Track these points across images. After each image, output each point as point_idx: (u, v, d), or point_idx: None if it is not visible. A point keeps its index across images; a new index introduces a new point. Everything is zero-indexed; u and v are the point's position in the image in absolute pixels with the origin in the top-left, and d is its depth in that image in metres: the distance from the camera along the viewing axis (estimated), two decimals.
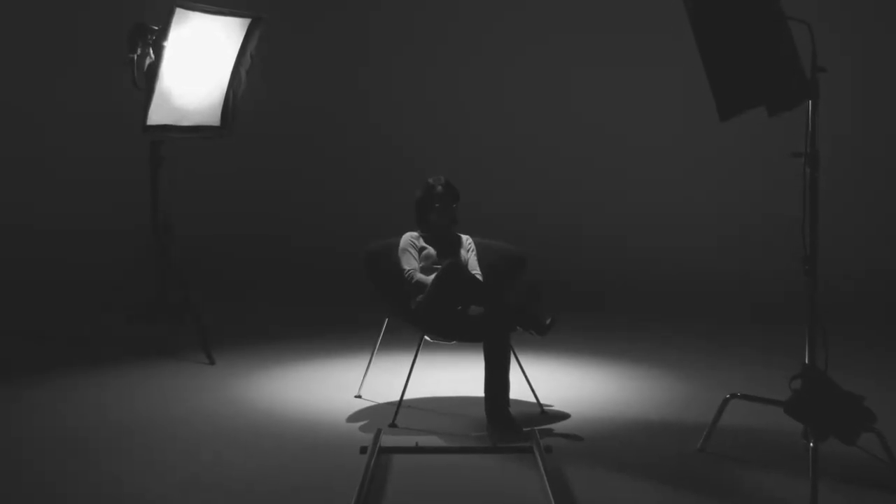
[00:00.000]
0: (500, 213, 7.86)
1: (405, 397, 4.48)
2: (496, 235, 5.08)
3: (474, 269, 4.76)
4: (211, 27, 5.57)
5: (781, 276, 6.45)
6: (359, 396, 4.87)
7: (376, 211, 8.16)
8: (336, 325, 6.69)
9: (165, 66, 5.36)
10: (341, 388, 5.02)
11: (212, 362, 5.51)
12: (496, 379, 4.33)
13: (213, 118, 5.87)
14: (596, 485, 3.67)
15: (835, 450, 3.72)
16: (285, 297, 7.74)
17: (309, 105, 8.64)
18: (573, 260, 7.97)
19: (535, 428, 4.22)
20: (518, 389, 4.54)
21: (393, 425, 4.36)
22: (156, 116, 5.46)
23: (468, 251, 4.84)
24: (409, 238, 4.76)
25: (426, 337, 4.54)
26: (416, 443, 4.06)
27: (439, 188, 4.76)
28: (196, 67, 5.61)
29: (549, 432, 4.29)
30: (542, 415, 4.58)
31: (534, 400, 4.67)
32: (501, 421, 4.28)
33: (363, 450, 3.91)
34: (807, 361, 3.63)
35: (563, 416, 4.57)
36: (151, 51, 5.34)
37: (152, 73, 5.34)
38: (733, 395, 4.11)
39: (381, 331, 4.83)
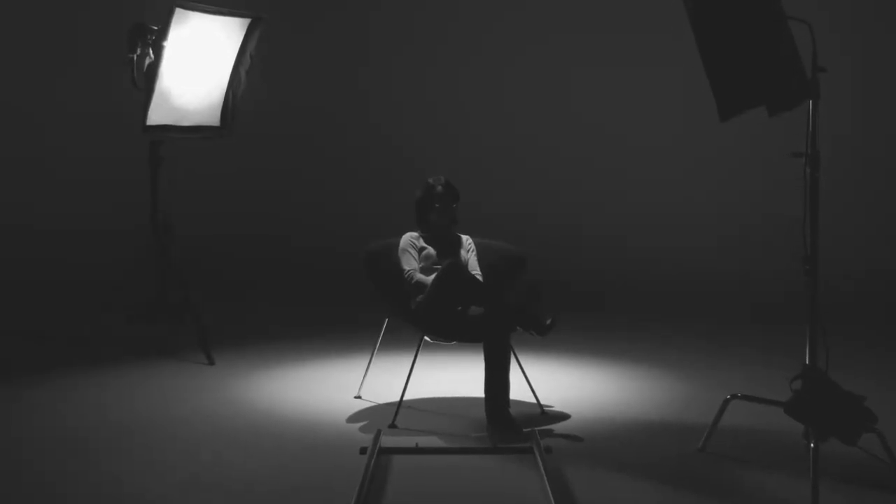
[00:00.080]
0: (500, 213, 7.86)
1: (405, 398, 4.48)
2: (496, 235, 5.08)
3: (474, 269, 4.76)
4: (210, 27, 5.57)
5: (781, 276, 6.45)
6: (359, 397, 4.87)
7: (376, 211, 8.16)
8: (336, 325, 6.69)
9: (165, 66, 5.35)
10: (341, 388, 5.02)
11: (211, 362, 5.51)
12: (496, 379, 4.33)
13: (213, 118, 5.87)
14: (596, 485, 3.66)
15: (835, 450, 3.72)
16: (285, 297, 7.74)
17: (309, 105, 8.64)
18: (573, 260, 7.96)
19: (536, 428, 4.21)
20: (518, 390, 4.53)
21: (393, 426, 4.35)
22: (155, 116, 5.46)
23: (468, 251, 4.84)
24: (409, 238, 4.76)
25: (426, 337, 4.54)
26: (416, 443, 4.06)
27: (439, 188, 4.75)
28: (196, 67, 5.60)
29: (550, 433, 4.29)
30: (542, 415, 4.57)
31: (534, 400, 4.67)
32: (501, 421, 4.28)
33: (363, 450, 3.91)
34: (807, 362, 3.63)
35: (563, 416, 4.57)
36: (151, 51, 5.34)
37: (152, 73, 5.34)
38: (734, 396, 4.10)
39: (381, 331, 4.83)
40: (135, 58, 5.36)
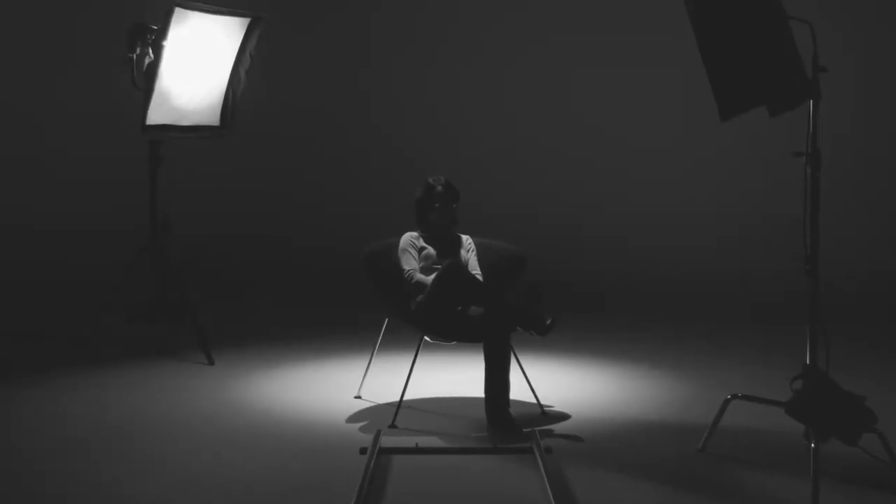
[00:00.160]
0: (500, 213, 7.85)
1: (405, 398, 4.47)
2: (496, 235, 5.07)
3: (474, 269, 4.75)
4: (210, 27, 5.57)
5: (781, 276, 6.45)
6: (358, 397, 4.86)
7: (377, 211, 8.15)
8: (336, 325, 6.68)
9: (165, 66, 5.35)
10: (341, 388, 5.01)
11: (211, 363, 5.50)
12: (496, 379, 4.32)
13: (213, 118, 5.87)
14: (596, 485, 3.66)
15: (836, 450, 3.71)
16: (285, 297, 7.74)
17: (309, 105, 8.64)
18: (574, 260, 7.96)
19: (536, 428, 4.21)
20: (518, 390, 4.53)
21: (393, 426, 4.35)
22: (155, 116, 5.45)
23: (468, 251, 4.83)
24: (409, 238, 4.75)
25: (426, 337, 4.53)
26: (416, 443, 4.05)
27: (439, 188, 4.75)
28: (195, 67, 5.60)
29: (550, 433, 4.28)
30: (542, 415, 4.57)
31: (534, 400, 4.66)
32: (501, 422, 4.28)
33: (363, 450, 3.90)
34: (808, 362, 3.62)
35: (563, 416, 4.56)
36: (150, 50, 5.33)
37: (151, 72, 5.34)
38: (734, 396, 4.10)
39: (381, 331, 4.82)
40: (134, 57, 5.36)
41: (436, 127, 8.55)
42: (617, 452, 4.05)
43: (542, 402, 4.67)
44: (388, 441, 4.08)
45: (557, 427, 4.39)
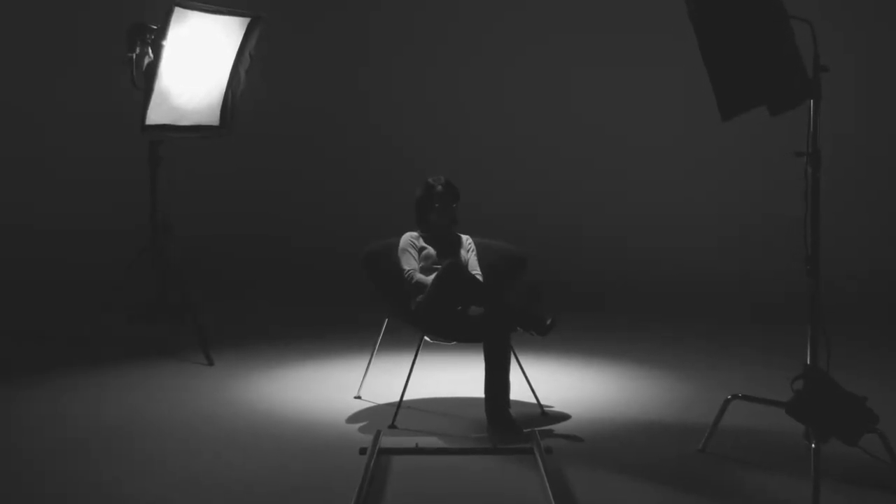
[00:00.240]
0: (500, 213, 7.85)
1: (405, 398, 4.47)
2: (496, 235, 5.07)
3: (474, 269, 4.75)
4: (210, 26, 5.56)
5: (781, 276, 6.45)
6: (358, 397, 4.86)
7: (376, 211, 8.15)
8: (336, 325, 6.68)
9: (164, 66, 5.34)
10: (341, 388, 5.01)
11: (211, 363, 5.50)
12: (496, 380, 4.32)
13: (212, 118, 5.86)
14: (596, 486, 3.65)
15: (837, 451, 3.71)
16: (285, 297, 7.73)
17: (309, 105, 8.63)
18: (573, 260, 7.95)
19: (536, 429, 4.20)
20: (518, 390, 4.53)
21: (392, 426, 4.34)
22: (154, 116, 5.45)
23: (468, 251, 4.83)
24: (409, 238, 4.75)
25: (426, 337, 4.53)
26: (416, 444, 4.05)
27: (439, 188, 4.74)
28: (195, 67, 5.59)
29: (550, 433, 4.28)
30: (542, 416, 4.56)
31: (534, 401, 4.66)
32: (502, 422, 4.27)
33: (363, 451, 3.90)
34: (809, 362, 3.62)
35: (563, 416, 4.56)
36: (150, 50, 5.33)
37: (151, 72, 5.33)
38: (734, 396, 4.09)
39: (380, 331, 4.82)
40: (134, 57, 5.35)
41: (435, 127, 8.55)
42: (617, 453, 4.05)
43: (542, 402, 4.66)
44: (387, 441, 4.07)
45: (557, 427, 4.38)
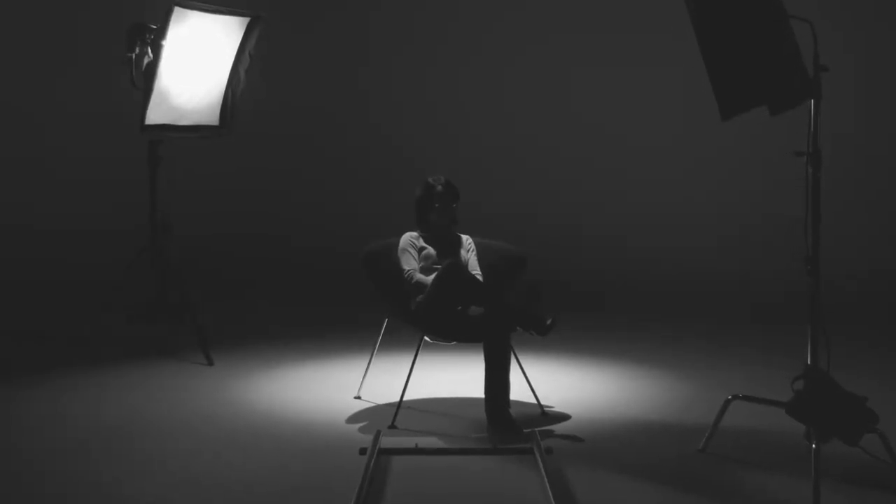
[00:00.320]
0: (500, 213, 7.85)
1: (405, 398, 4.46)
2: (496, 235, 5.07)
3: (474, 269, 4.75)
4: (209, 26, 5.56)
5: (781, 276, 6.45)
6: (358, 397, 4.86)
7: (376, 211, 8.15)
8: (336, 325, 6.68)
9: (164, 66, 5.34)
10: (341, 388, 5.01)
11: (210, 363, 5.50)
12: (496, 380, 4.32)
13: (212, 117, 5.86)
14: (597, 486, 3.65)
15: (837, 451, 3.71)
16: (285, 297, 7.73)
17: (309, 105, 8.63)
18: (573, 260, 7.95)
19: (536, 429, 4.20)
20: (518, 390, 4.52)
21: (392, 426, 4.34)
22: (154, 116, 5.44)
23: (468, 251, 4.82)
24: (409, 238, 4.75)
25: (426, 337, 4.53)
26: (416, 444, 4.05)
27: (439, 188, 4.74)
28: (194, 66, 5.59)
29: (550, 433, 4.28)
30: (542, 416, 4.56)
31: (534, 401, 4.66)
32: (502, 422, 4.27)
33: (362, 451, 3.90)
34: (809, 362, 3.62)
35: (563, 417, 4.56)
36: (150, 50, 5.32)
37: (150, 72, 5.33)
38: (735, 396, 4.09)
39: (380, 331, 4.82)
40: (133, 57, 5.35)
41: (435, 126, 8.54)
42: (617, 453, 4.04)
43: (543, 402, 4.66)
44: (387, 441, 4.07)
45: (558, 427, 4.38)
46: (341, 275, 7.12)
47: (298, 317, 7.04)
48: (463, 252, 4.80)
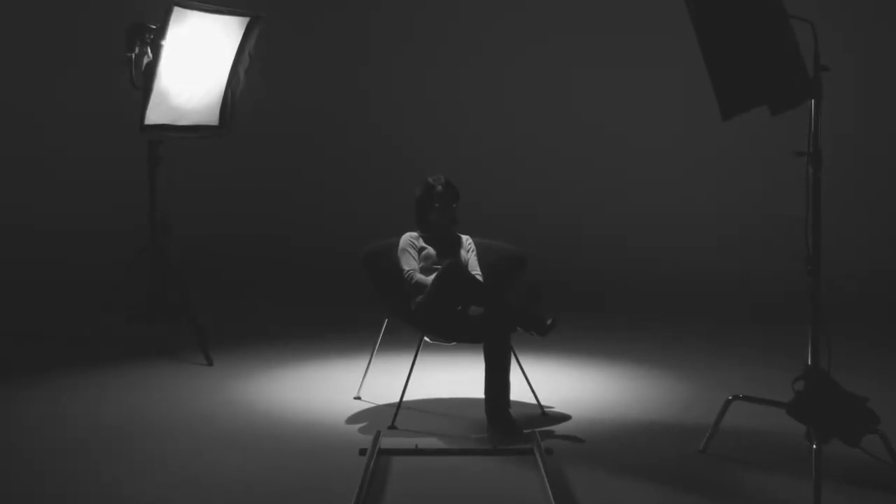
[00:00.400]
0: (500, 213, 7.84)
1: (405, 399, 4.46)
2: (496, 235, 5.06)
3: (474, 269, 4.74)
4: (209, 26, 5.56)
5: (781, 276, 6.44)
6: (358, 398, 4.86)
7: (376, 211, 8.14)
8: (336, 325, 6.67)
9: (163, 65, 5.34)
10: (340, 389, 5.01)
11: (210, 363, 5.49)
12: (496, 380, 4.31)
13: (212, 117, 5.86)
14: (597, 486, 3.65)
15: (838, 451, 3.70)
16: (285, 297, 7.73)
17: (309, 105, 8.63)
18: (573, 260, 7.95)
19: (536, 429, 4.20)
20: (518, 390, 4.52)
21: (392, 427, 4.34)
22: (153, 116, 5.44)
23: (468, 251, 4.82)
24: (409, 238, 4.74)
25: (426, 338, 4.52)
26: (416, 444, 4.05)
27: (439, 188, 4.73)
28: (194, 66, 5.59)
29: (550, 434, 4.28)
30: (542, 416, 4.56)
31: (534, 401, 4.65)
32: (502, 422, 4.27)
33: (362, 451, 3.90)
34: (810, 362, 3.61)
35: (563, 417, 4.55)
36: (149, 50, 5.32)
37: (150, 72, 5.32)
38: (735, 397, 4.09)
39: (380, 331, 4.81)
40: (133, 57, 5.35)
41: (435, 126, 8.54)
42: (617, 453, 4.04)
43: (543, 402, 4.66)
44: (387, 442, 4.07)
45: (558, 428, 4.38)
46: (341, 275, 7.11)
47: (298, 317, 7.04)
48: (463, 252, 4.80)
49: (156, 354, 5.73)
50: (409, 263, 4.66)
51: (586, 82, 8.30)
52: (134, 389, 5.04)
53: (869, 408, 3.57)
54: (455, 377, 5.25)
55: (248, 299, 7.60)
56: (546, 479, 3.56)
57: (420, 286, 4.57)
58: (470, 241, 4.87)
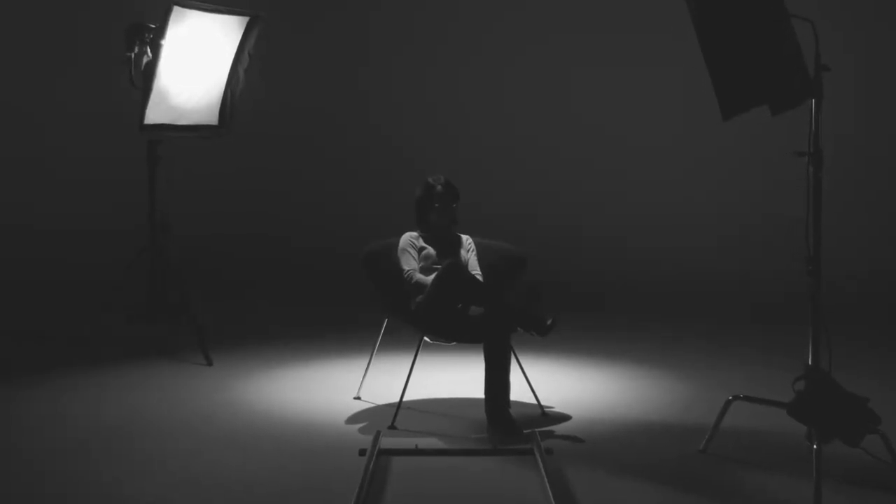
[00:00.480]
0: (500, 213, 7.84)
1: (405, 399, 4.46)
2: (496, 235, 5.06)
3: (474, 269, 4.74)
4: (209, 25, 5.55)
5: (781, 276, 6.44)
6: (358, 398, 4.85)
7: (376, 211, 8.14)
8: (336, 325, 6.67)
9: (163, 65, 5.34)
10: (340, 389, 5.00)
11: (210, 363, 5.49)
12: (496, 380, 4.31)
13: (211, 117, 5.85)
14: (597, 487, 3.65)
15: (838, 451, 3.70)
16: (285, 297, 7.73)
17: (309, 105, 8.63)
18: (573, 260, 7.95)
19: (536, 429, 4.20)
20: (518, 391, 4.52)
21: (392, 427, 4.33)
22: (153, 115, 5.44)
23: (468, 251, 4.82)
24: (409, 238, 4.74)
25: (426, 338, 4.52)
26: (416, 445, 4.04)
27: (439, 188, 4.73)
28: (194, 66, 5.58)
29: (550, 434, 4.27)
30: (542, 416, 4.56)
31: (534, 401, 4.65)
32: (502, 422, 4.27)
33: (362, 452, 3.89)
34: (810, 362, 3.61)
35: (563, 417, 4.55)
36: (149, 49, 5.32)
37: (150, 71, 5.32)
38: (736, 397, 4.08)
39: (380, 331, 4.81)
40: (132, 56, 5.34)
41: (435, 127, 8.54)
42: (617, 453, 4.04)
43: (543, 402, 4.66)
44: (387, 442, 4.07)
45: (558, 428, 4.38)
46: (341, 275, 7.12)
47: (298, 317, 7.04)
48: (463, 252, 4.79)
49: (156, 354, 5.73)
50: (409, 263, 4.66)
51: (586, 82, 8.30)
52: (134, 389, 5.04)
53: (869, 408, 3.57)
54: (455, 377, 5.24)
55: (248, 299, 7.60)
56: (546, 479, 3.55)
57: (420, 286, 4.56)
58: (470, 241, 4.86)
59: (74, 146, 7.83)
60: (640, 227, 8.16)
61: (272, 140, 8.51)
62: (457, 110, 8.53)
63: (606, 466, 3.87)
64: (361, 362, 5.09)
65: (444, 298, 4.43)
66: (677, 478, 3.75)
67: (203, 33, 5.54)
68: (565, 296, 6.84)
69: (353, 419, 4.51)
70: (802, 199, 3.60)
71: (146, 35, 5.33)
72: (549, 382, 5.10)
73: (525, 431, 4.20)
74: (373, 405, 4.75)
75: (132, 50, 5.33)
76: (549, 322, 4.30)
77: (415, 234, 4.77)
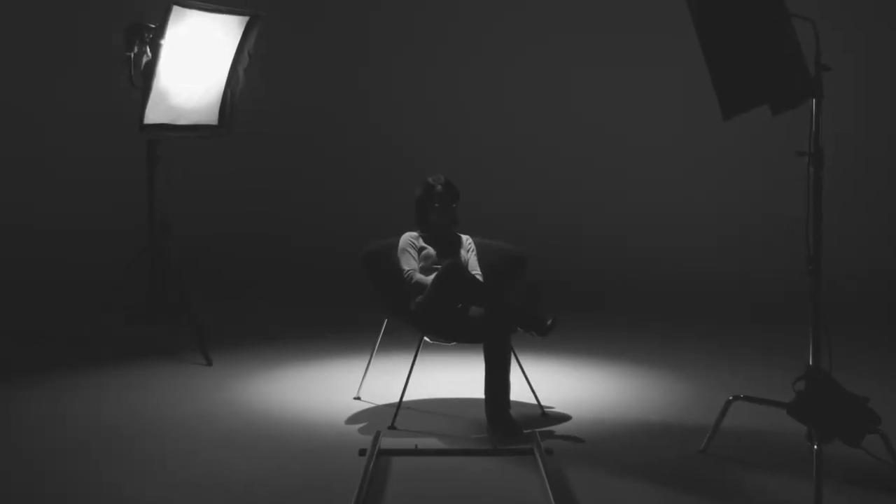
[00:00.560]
0: (500, 213, 7.84)
1: (404, 399, 4.46)
2: (496, 235, 5.06)
3: (474, 269, 4.74)
4: (208, 25, 5.55)
5: (781, 276, 6.45)
6: (358, 398, 4.85)
7: (376, 211, 8.14)
8: (335, 325, 6.67)
9: (163, 65, 5.33)
10: (340, 389, 5.00)
11: (209, 363, 5.49)
12: (496, 380, 4.31)
13: (211, 117, 5.85)
14: (597, 487, 3.65)
15: (839, 452, 3.70)
16: (285, 297, 7.73)
17: (309, 105, 8.63)
18: (573, 260, 7.95)
19: (536, 430, 4.19)
20: (518, 391, 4.52)
21: (392, 427, 4.33)
22: (152, 115, 5.44)
23: (468, 251, 4.82)
24: (409, 238, 4.74)
25: (426, 338, 4.52)
26: (416, 445, 4.04)
27: (439, 188, 4.73)
28: (193, 66, 5.58)
29: (550, 434, 4.27)
30: (542, 416, 4.56)
31: (534, 401, 4.65)
32: (502, 423, 4.26)
33: (362, 452, 3.89)
34: (810, 362, 3.61)
35: (563, 417, 4.55)
36: (148, 49, 5.31)
37: (149, 71, 5.32)
38: (736, 397, 4.08)
39: (380, 331, 4.81)
40: (132, 56, 5.34)
41: (435, 126, 8.54)
42: (618, 453, 4.04)
43: (543, 402, 4.65)
44: (387, 442, 4.06)
45: (558, 428, 4.38)
46: (341, 275, 7.11)
47: (298, 317, 7.04)
48: (463, 252, 4.79)
49: (156, 354, 5.73)
50: (409, 263, 4.66)
51: (586, 82, 8.30)
52: (134, 389, 5.04)
53: (870, 408, 3.57)
54: (455, 377, 5.24)
55: (248, 299, 7.60)
56: (546, 480, 3.55)
57: (420, 286, 4.56)
58: (470, 240, 4.86)
59: (74, 146, 7.83)
60: (640, 227, 8.16)
61: (272, 140, 8.51)
62: (457, 110, 8.53)
63: (607, 466, 3.87)
64: (361, 362, 5.09)
65: (444, 298, 4.43)
66: (677, 478, 3.74)
67: (203, 33, 5.54)
68: (565, 296, 6.84)
69: (353, 419, 4.51)
70: (802, 199, 3.60)
71: (146, 35, 5.33)
72: (549, 382, 5.10)
73: (525, 431, 4.20)
74: (373, 405, 4.75)
75: (132, 50, 5.33)
76: (549, 322, 4.30)
77: (415, 234, 4.77)
